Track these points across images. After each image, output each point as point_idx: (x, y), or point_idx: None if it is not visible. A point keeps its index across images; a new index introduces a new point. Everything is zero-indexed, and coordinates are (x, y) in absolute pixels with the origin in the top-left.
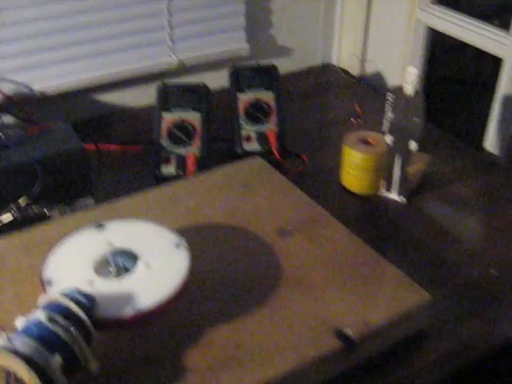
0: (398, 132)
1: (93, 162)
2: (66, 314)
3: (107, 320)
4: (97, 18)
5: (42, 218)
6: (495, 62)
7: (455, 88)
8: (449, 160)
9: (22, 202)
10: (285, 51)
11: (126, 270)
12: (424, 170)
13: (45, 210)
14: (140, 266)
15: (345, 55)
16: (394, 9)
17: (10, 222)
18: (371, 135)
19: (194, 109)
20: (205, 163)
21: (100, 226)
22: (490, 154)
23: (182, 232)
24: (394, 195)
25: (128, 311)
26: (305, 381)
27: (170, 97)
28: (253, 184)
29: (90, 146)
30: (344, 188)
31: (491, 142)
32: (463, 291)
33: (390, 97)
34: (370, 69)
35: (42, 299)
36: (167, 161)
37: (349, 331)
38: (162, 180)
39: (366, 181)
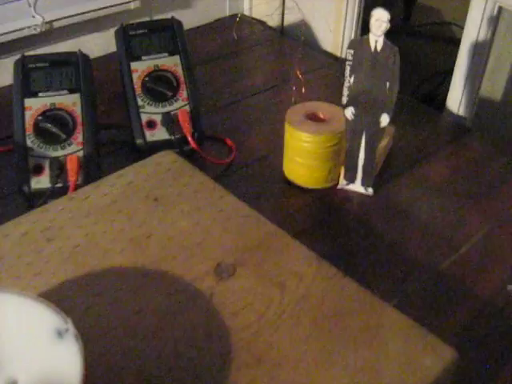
0: (364, 103)
1: None
2: None
3: None
4: None
5: None
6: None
7: (408, 39)
8: (412, 129)
9: None
10: (181, 1)
11: None
12: (389, 148)
13: None
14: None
15: (258, 2)
16: None
17: None
18: (323, 108)
19: (70, 90)
20: (93, 167)
21: None
22: (456, 116)
23: (65, 292)
24: (357, 187)
25: None
26: None
27: (33, 75)
28: (166, 195)
29: None
30: (289, 182)
31: (456, 102)
32: (472, 322)
33: (349, 54)
34: (291, 19)
35: None
36: (38, 169)
37: None
38: (32, 198)
39: (320, 171)
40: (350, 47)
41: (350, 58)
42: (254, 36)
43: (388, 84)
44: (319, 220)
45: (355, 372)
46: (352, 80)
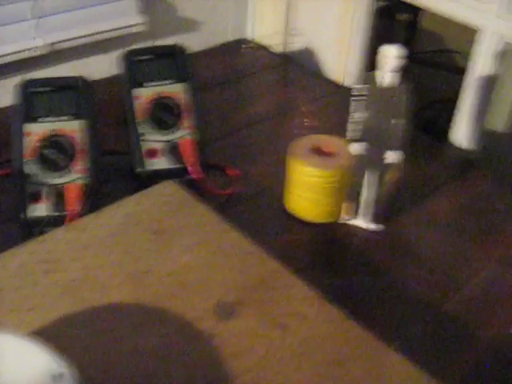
0: (372, 138)
1: None
2: None
3: None
4: None
5: None
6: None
7: (409, 66)
8: (417, 163)
9: None
10: (185, 25)
11: None
12: (395, 182)
13: None
14: None
15: (263, 27)
16: None
17: None
18: (327, 141)
19: (72, 115)
20: (92, 196)
21: None
22: (461, 150)
23: (62, 328)
24: (362, 222)
25: None
26: None
27: (34, 100)
28: (167, 229)
29: None
30: (291, 215)
31: (460, 134)
32: (476, 366)
33: (355, 89)
34: (296, 45)
35: None
36: (36, 196)
37: None
38: (28, 226)
39: (324, 205)
40: (357, 82)
41: (356, 93)
42: (258, 61)
43: (395, 120)
44: (322, 255)
45: None
46: (358, 115)
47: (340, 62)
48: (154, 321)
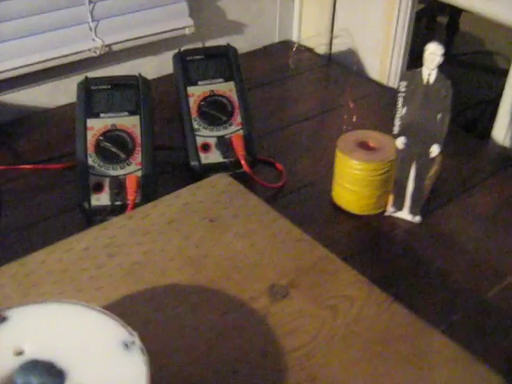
0: (413, 133)
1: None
2: None
3: None
4: None
5: None
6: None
7: (449, 67)
8: (458, 159)
9: None
10: (232, 27)
11: None
12: (436, 177)
13: None
14: None
15: (308, 29)
16: None
17: None
18: (373, 136)
19: (130, 111)
20: (150, 187)
21: (2, 318)
22: (503, 148)
23: (126, 307)
24: (405, 214)
25: None
26: None
27: (96, 97)
28: (221, 217)
29: None
30: (337, 207)
31: (501, 133)
32: None
33: (402, 85)
34: (340, 46)
35: None
36: (98, 187)
37: None
38: (91, 214)
39: (368, 198)
40: (403, 79)
41: (402, 89)
42: (302, 62)
43: (440, 115)
44: (366, 246)
45: None
46: (404, 111)
47: (383, 62)
48: (211, 300)
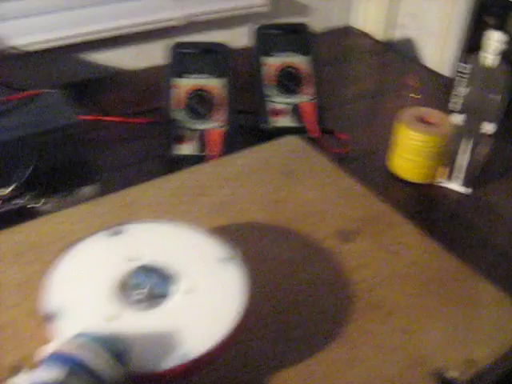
0: (471, 111)
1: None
2: (90, 371)
3: (141, 375)
4: None
5: (31, 213)
6: None
7: None
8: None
9: (6, 191)
10: (300, 9)
11: (159, 297)
12: (488, 154)
13: (37, 202)
14: (179, 292)
15: (369, 17)
16: None
17: None
18: (432, 113)
19: (215, 74)
20: (229, 142)
21: (117, 232)
22: None
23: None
24: (455, 185)
25: (170, 361)
26: None
27: (185, 59)
28: (294, 171)
29: (87, 118)
30: (393, 175)
31: None
32: None
33: (463, 68)
34: (398, 35)
35: (50, 348)
36: (183, 138)
37: (452, 374)
38: (176, 162)
39: (424, 167)
40: (464, 62)
41: (463, 70)
42: (361, 47)
43: (497, 97)
44: (418, 212)
45: (453, 327)
46: (463, 90)
47: (439, 51)
48: (286, 238)
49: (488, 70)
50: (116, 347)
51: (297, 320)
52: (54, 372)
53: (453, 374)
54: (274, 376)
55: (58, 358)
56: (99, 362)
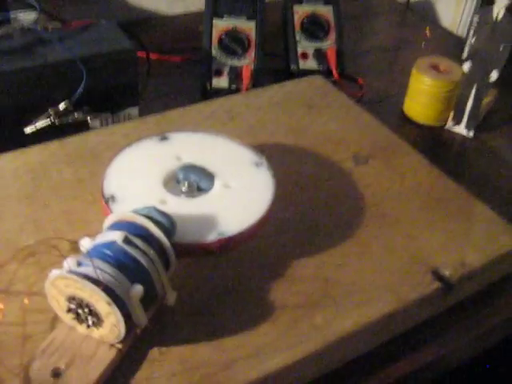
0: (480, 60)
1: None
2: (145, 236)
3: (188, 245)
4: None
5: (82, 126)
6: None
7: None
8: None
9: (61, 106)
10: None
11: (200, 189)
12: (491, 104)
13: (87, 117)
14: (217, 186)
15: None
16: None
17: (45, 128)
18: (444, 62)
19: (248, 17)
20: (259, 79)
21: (164, 137)
22: None
23: None
24: (461, 129)
25: (211, 236)
26: (400, 325)
27: (221, 2)
28: (317, 105)
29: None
30: (406, 118)
31: None
32: None
33: (476, 18)
34: None
35: (111, 218)
36: (219, 73)
37: (446, 272)
38: (211, 94)
39: (434, 110)
40: (477, 13)
41: (475, 20)
42: (379, 7)
43: (502, 46)
44: (426, 151)
45: (449, 237)
46: (473, 40)
47: (455, 12)
48: (308, 158)
49: (495, 22)
50: (166, 221)
51: (315, 224)
52: (116, 234)
53: (447, 272)
54: (293, 263)
55: (117, 225)
56: (158, 230)
